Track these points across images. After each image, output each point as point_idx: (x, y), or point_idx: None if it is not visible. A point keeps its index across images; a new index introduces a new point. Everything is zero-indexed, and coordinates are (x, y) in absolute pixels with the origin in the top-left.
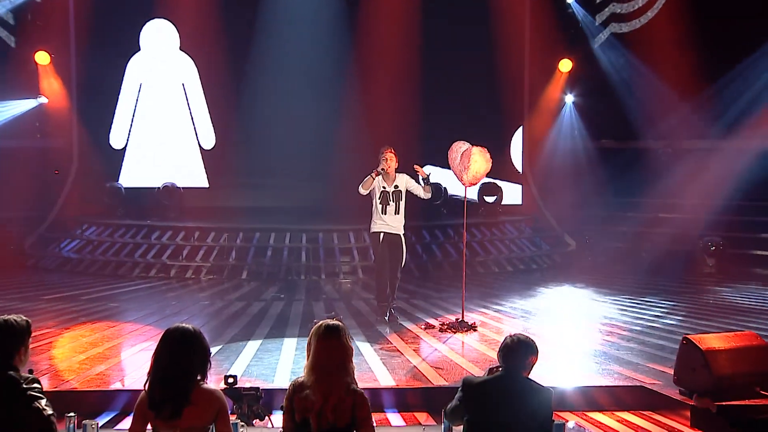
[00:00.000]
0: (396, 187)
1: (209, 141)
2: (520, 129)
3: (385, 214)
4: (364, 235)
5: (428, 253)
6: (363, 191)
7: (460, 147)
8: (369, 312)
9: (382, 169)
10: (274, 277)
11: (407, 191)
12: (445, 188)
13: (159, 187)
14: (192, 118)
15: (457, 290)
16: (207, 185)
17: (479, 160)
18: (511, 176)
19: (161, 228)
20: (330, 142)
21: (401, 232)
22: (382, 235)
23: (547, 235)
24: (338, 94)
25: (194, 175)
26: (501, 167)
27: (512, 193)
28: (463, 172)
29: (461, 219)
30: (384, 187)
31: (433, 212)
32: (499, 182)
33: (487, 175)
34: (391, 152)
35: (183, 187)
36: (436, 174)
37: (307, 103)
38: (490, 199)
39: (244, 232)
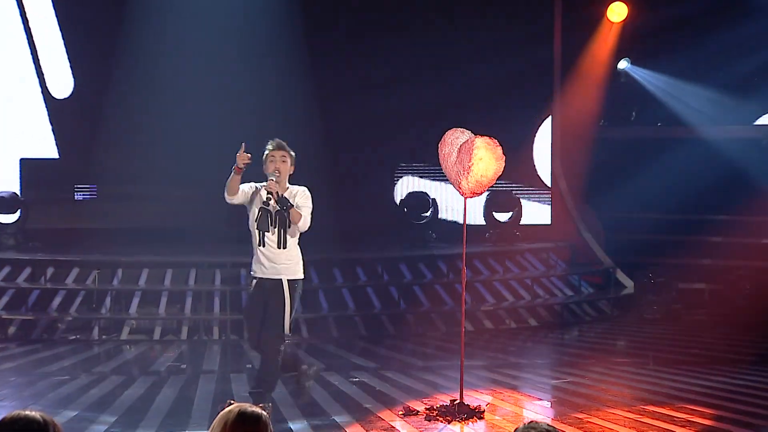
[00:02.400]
0: (284, 205)
1: (63, 87)
2: (549, 119)
3: (262, 245)
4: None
5: (409, 300)
6: (229, 197)
7: (456, 138)
8: (317, 388)
9: (276, 173)
10: (170, 337)
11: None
12: (433, 200)
13: None
14: (34, 54)
15: (453, 356)
16: (56, 156)
17: (486, 157)
18: (535, 183)
19: None
20: (265, 134)
21: (286, 275)
22: (254, 282)
23: (589, 272)
24: (280, 71)
25: (37, 143)
26: (519, 170)
27: (536, 209)
28: (461, 176)
29: (458, 247)
30: (264, 203)
31: (415, 236)
32: (515, 192)
33: (498, 180)
34: (281, 152)
35: (28, 199)
36: (417, 182)
37: (233, 74)
38: (502, 217)
39: (125, 268)
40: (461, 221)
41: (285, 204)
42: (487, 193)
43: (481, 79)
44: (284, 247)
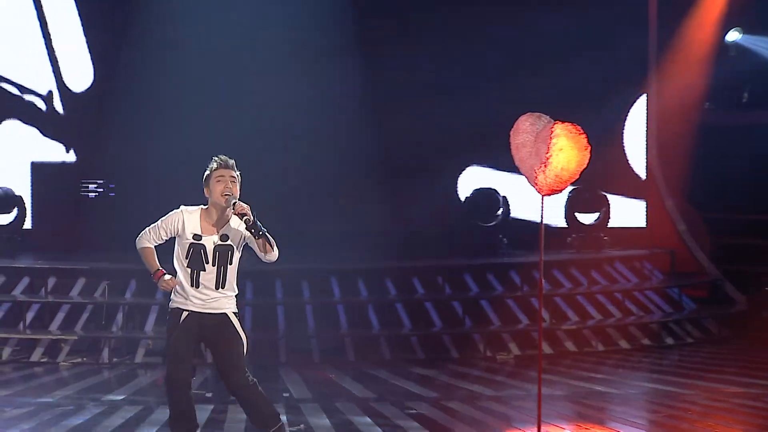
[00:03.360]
0: (224, 239)
1: (82, 80)
2: (643, 98)
3: (196, 286)
4: (357, 281)
5: (475, 317)
6: (142, 243)
7: (531, 124)
8: (366, 421)
9: (228, 197)
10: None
11: (244, 246)
12: (503, 198)
13: None
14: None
15: (529, 384)
16: (71, 158)
17: (567, 146)
18: (626, 180)
19: None
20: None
21: (228, 308)
22: (185, 314)
23: (692, 284)
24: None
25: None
26: (607, 164)
27: (628, 209)
28: (537, 169)
29: (534, 254)
30: (196, 237)
31: (482, 241)
32: (603, 188)
33: (582, 175)
34: (231, 172)
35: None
36: (485, 178)
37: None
38: (587, 219)
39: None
40: (537, 223)
41: (260, 230)
42: (568, 190)
43: (560, 63)
44: (223, 287)
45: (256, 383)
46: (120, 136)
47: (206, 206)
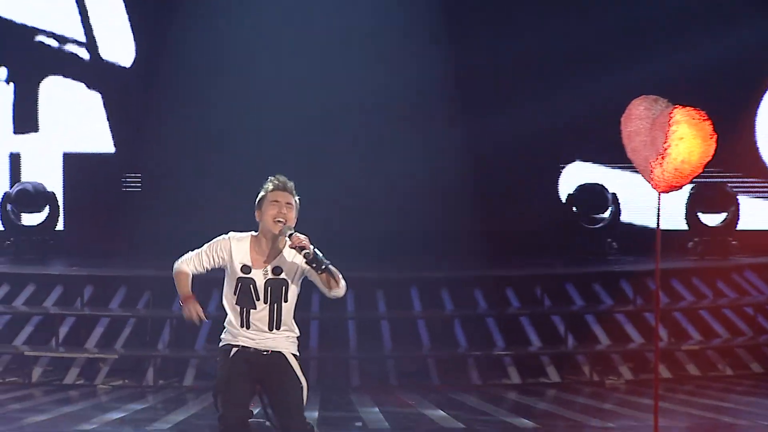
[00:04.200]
0: (276, 272)
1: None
2: None
3: (246, 327)
4: (441, 292)
5: (579, 334)
6: (180, 267)
7: (647, 110)
8: None
9: (282, 225)
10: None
11: (303, 279)
12: (612, 195)
13: (8, 193)
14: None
15: (643, 413)
16: (110, 148)
17: (688, 135)
18: (758, 172)
19: (11, 279)
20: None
21: (286, 348)
22: (234, 350)
23: None
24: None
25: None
26: (736, 156)
27: (760, 209)
28: (654, 161)
29: (649, 262)
30: (244, 269)
31: (588, 246)
32: (730, 184)
33: (706, 168)
34: (287, 195)
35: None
36: (591, 174)
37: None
38: (712, 220)
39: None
40: (653, 225)
41: (322, 264)
42: (690, 187)
43: (673, 45)
44: (278, 328)
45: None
46: (167, 123)
47: (257, 233)
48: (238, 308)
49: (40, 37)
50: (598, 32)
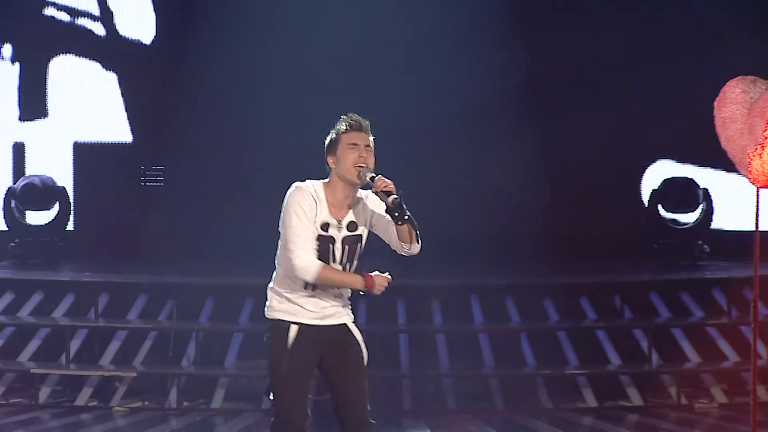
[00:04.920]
0: (353, 227)
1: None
2: None
3: (312, 287)
4: (506, 302)
5: (665, 351)
6: (309, 263)
7: (744, 92)
8: None
9: (363, 169)
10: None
11: (369, 235)
12: (704, 190)
13: (12, 188)
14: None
15: None
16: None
17: None
18: None
19: (15, 285)
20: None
21: (348, 315)
22: (295, 330)
23: None
24: None
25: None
26: None
27: None
28: (753, 152)
29: (746, 267)
30: (324, 227)
31: (675, 249)
32: None
33: None
34: (365, 136)
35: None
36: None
37: None
38: None
39: (219, 295)
40: (751, 227)
41: (405, 213)
42: None
43: None
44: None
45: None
46: (193, 109)
47: (327, 180)
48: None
49: (49, 10)
50: (674, 29)
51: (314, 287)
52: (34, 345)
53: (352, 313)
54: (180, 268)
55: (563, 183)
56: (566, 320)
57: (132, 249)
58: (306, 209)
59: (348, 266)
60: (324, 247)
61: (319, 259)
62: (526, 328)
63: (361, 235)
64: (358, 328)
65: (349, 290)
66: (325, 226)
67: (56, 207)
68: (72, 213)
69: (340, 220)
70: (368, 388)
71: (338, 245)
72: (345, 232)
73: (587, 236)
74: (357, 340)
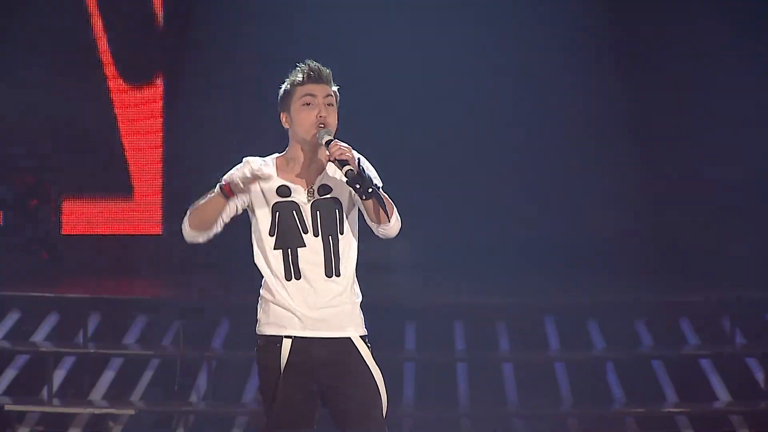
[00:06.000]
0: (324, 189)
1: None
2: None
3: (295, 277)
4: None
5: None
6: (194, 231)
7: None
8: None
9: (321, 131)
10: None
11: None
12: None
13: None
14: None
15: None
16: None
17: None
18: None
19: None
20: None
21: (353, 327)
22: (288, 345)
23: None
24: None
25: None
26: None
27: None
28: None
29: None
30: (282, 191)
31: None
32: None
33: None
34: (325, 87)
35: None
36: None
37: None
38: None
39: (236, 314)
40: None
41: (368, 186)
42: None
43: None
44: (338, 275)
45: None
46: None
47: (283, 152)
48: (280, 252)
49: None
50: None
51: (298, 274)
52: (9, 376)
53: (362, 324)
54: (188, 279)
55: (654, 181)
56: (663, 346)
57: (129, 257)
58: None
59: (329, 238)
60: (285, 215)
61: (282, 231)
62: (612, 356)
63: (338, 198)
64: (367, 344)
65: (356, 286)
66: (283, 190)
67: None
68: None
69: (306, 186)
70: (382, 421)
71: (306, 212)
72: (316, 196)
73: (685, 244)
74: (365, 361)
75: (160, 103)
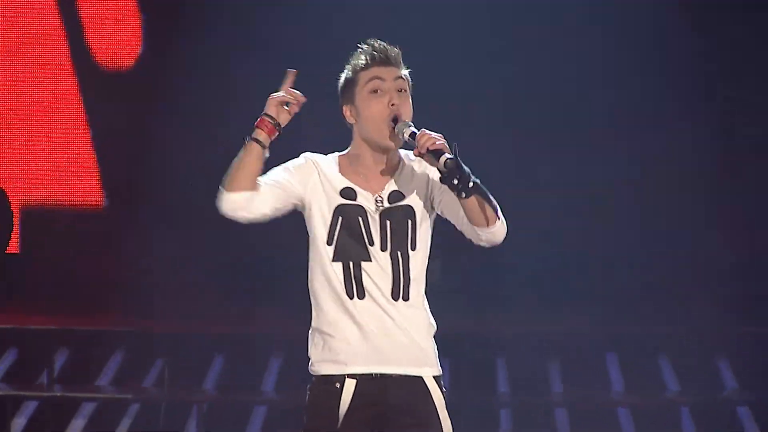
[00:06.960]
0: (395, 196)
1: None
2: None
3: (359, 296)
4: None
5: None
6: (236, 195)
7: None
8: None
9: (400, 124)
10: None
11: (437, 215)
12: None
13: None
14: None
15: None
16: None
17: None
18: None
19: None
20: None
21: (428, 364)
22: (352, 387)
23: None
24: None
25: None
26: None
27: None
28: None
29: None
30: (346, 193)
31: None
32: None
33: None
34: (396, 71)
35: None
36: None
37: None
38: None
39: (233, 352)
40: None
41: (468, 179)
42: None
43: None
44: (405, 299)
45: None
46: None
47: (346, 151)
48: (340, 266)
49: None
50: None
51: (361, 293)
52: None
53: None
54: (174, 306)
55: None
56: (748, 389)
57: (103, 279)
58: (293, 166)
59: (397, 254)
60: (350, 220)
61: (343, 239)
62: (689, 401)
63: (411, 207)
64: (442, 389)
65: (429, 313)
66: (347, 192)
67: None
68: (19, 230)
69: (375, 189)
70: None
71: (374, 221)
72: (386, 204)
73: None
74: (437, 411)
75: None
